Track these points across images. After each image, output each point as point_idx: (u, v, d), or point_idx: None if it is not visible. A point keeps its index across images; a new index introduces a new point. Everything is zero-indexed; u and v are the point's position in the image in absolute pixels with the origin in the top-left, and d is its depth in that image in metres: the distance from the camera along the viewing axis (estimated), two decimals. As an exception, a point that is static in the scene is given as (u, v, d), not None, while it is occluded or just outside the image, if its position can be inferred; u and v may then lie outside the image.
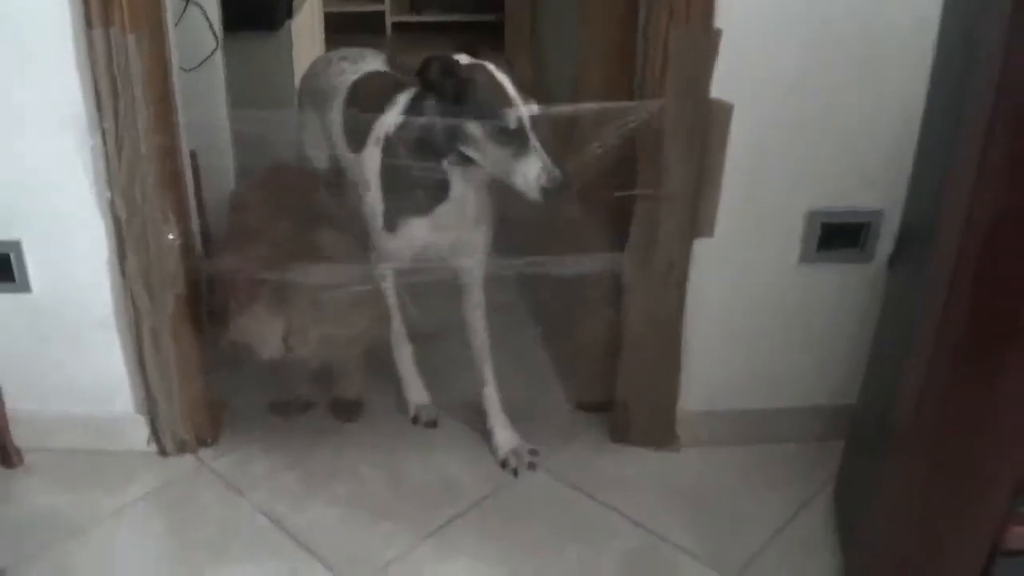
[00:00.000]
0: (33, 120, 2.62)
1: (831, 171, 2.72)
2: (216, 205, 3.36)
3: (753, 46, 2.55)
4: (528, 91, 2.62)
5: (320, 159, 3.29)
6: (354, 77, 3.21)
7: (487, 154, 2.60)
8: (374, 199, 2.89)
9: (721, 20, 2.50)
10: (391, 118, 2.82)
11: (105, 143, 2.60)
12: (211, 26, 3.48)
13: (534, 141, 2.53)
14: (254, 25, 4.37)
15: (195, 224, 3.00)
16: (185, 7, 3.38)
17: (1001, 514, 1.97)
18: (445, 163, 2.69)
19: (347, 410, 3.24)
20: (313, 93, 3.38)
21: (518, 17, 3.92)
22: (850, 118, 2.64)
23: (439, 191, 2.76)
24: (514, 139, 2.53)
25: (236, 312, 2.84)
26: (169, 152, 2.71)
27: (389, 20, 7.18)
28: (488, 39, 6.42)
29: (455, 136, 2.63)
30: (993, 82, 1.72)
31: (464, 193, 2.78)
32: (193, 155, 3.14)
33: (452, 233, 2.87)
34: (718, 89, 2.58)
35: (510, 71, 2.63)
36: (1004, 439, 1.91)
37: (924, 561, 2.12)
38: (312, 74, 3.52)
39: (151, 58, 2.56)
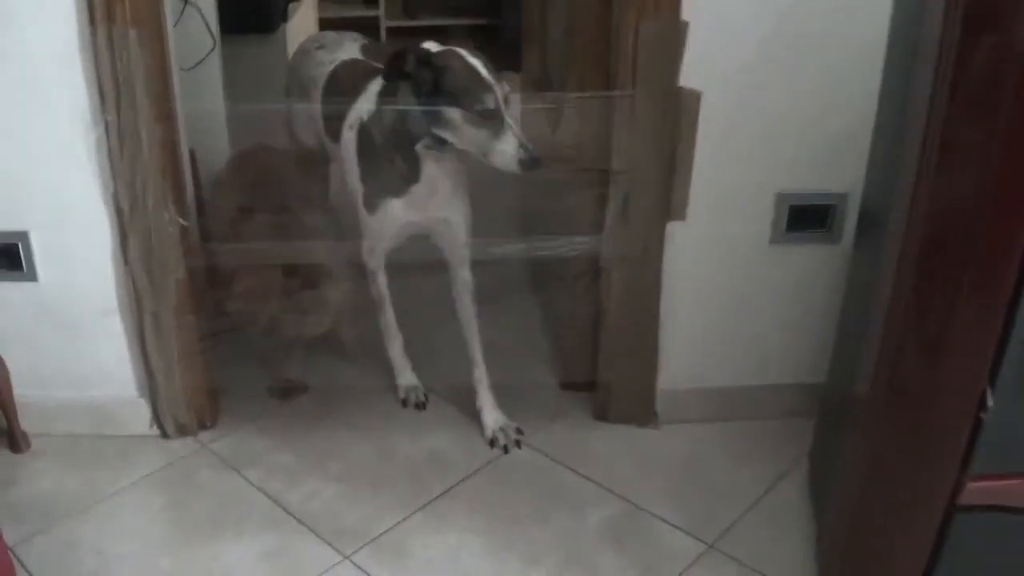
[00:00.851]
0: (39, 114, 2.72)
1: (798, 154, 2.81)
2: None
3: (720, 36, 2.65)
4: (499, 73, 2.76)
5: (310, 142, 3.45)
6: (331, 67, 3.35)
7: (464, 136, 2.73)
8: (354, 183, 3.04)
9: (687, 12, 2.61)
10: (363, 105, 2.97)
11: (108, 135, 2.71)
12: (208, 27, 3.58)
13: (509, 120, 2.66)
14: (250, 29, 4.49)
15: (194, 216, 3.11)
16: (183, 8, 3.49)
17: (954, 475, 2.03)
18: (419, 147, 2.83)
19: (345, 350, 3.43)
20: (298, 83, 3.53)
21: (530, 18, 4.04)
22: (815, 102, 2.73)
23: (411, 173, 2.90)
24: (490, 120, 2.67)
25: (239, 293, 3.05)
26: (169, 144, 2.81)
27: (384, 25, 7.25)
28: (483, 42, 6.55)
29: (432, 121, 2.76)
30: (933, 60, 1.82)
31: (436, 174, 2.92)
32: (192, 153, 3.27)
33: (427, 212, 3.00)
34: (687, 78, 2.68)
35: (481, 55, 2.75)
36: (952, 408, 1.98)
37: (887, 522, 2.20)
38: (295, 64, 3.66)
39: (152, 54, 2.67)
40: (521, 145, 2.65)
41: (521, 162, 2.65)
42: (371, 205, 3.01)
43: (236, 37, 4.18)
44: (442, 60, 2.72)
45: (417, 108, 2.77)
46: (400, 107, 2.81)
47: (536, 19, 3.79)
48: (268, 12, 4.68)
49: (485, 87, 2.68)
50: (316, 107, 3.35)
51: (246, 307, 3.08)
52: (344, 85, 3.22)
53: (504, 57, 5.21)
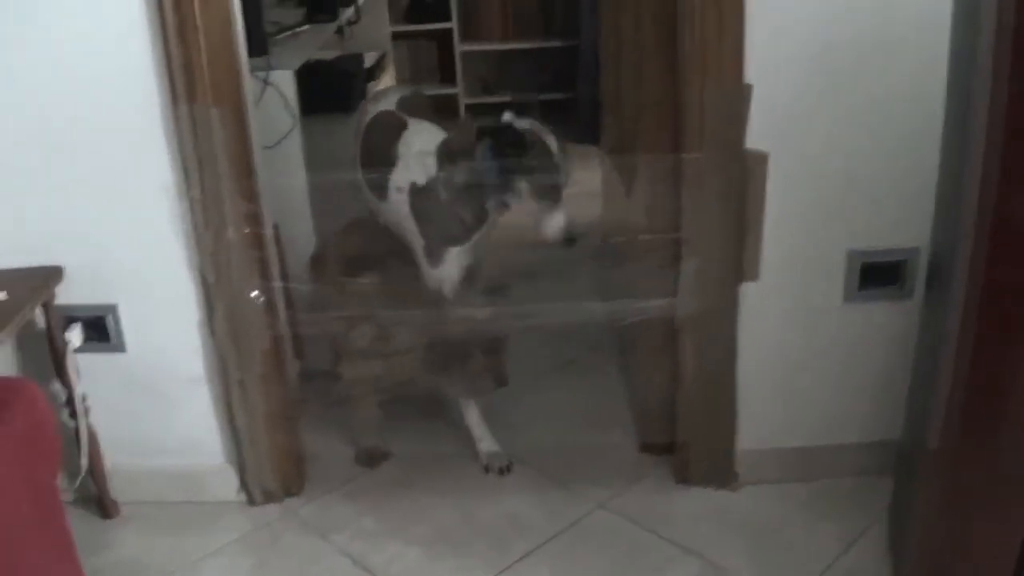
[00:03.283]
0: (127, 190, 2.83)
1: (867, 211, 2.83)
2: (298, 270, 3.57)
3: (784, 96, 2.70)
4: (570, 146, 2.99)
5: None
6: (369, 118, 3.53)
7: (525, 204, 2.98)
8: (412, 237, 3.20)
9: (751, 75, 2.66)
10: (415, 167, 3.17)
11: (193, 210, 2.81)
12: (288, 106, 3.68)
13: (563, 198, 2.92)
14: (330, 108, 4.59)
15: (279, 287, 3.19)
16: (264, 88, 3.59)
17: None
18: (489, 204, 3.06)
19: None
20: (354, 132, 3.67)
21: (607, 88, 4.13)
22: (883, 159, 2.76)
23: (478, 223, 3.13)
24: (549, 195, 2.93)
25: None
26: (252, 218, 2.90)
27: (463, 102, 7.35)
28: (559, 116, 6.63)
29: (502, 186, 2.98)
30: (983, 122, 1.86)
31: (494, 220, 3.15)
32: (276, 227, 3.36)
33: (477, 251, 3.25)
34: (753, 139, 2.72)
35: (555, 135, 2.99)
36: (1020, 459, 2.00)
37: (964, 574, 2.22)
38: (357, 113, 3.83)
39: (233, 132, 2.78)
40: (568, 224, 2.94)
41: (566, 235, 2.95)
42: (434, 255, 3.19)
43: (317, 115, 4.27)
44: (529, 137, 2.96)
45: (492, 175, 2.99)
46: (473, 171, 3.02)
47: (612, 89, 3.85)
48: (347, 92, 4.78)
49: (556, 167, 2.97)
50: (356, 155, 3.52)
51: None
52: (373, 137, 3.43)
53: (579, 131, 5.30)
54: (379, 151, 3.31)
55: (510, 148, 2.96)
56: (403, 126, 3.31)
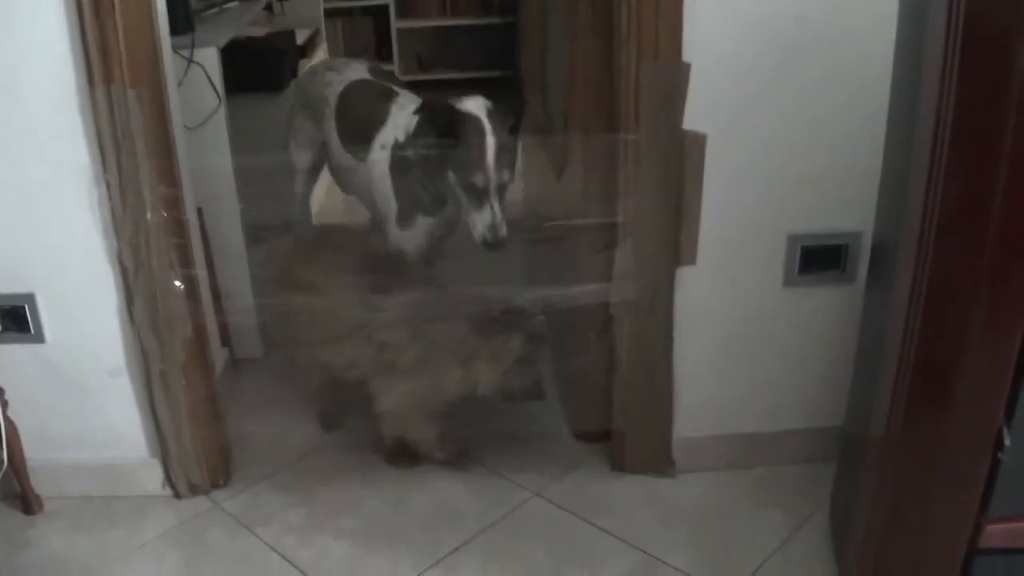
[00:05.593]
0: (42, 175, 2.71)
1: (809, 195, 2.78)
2: (224, 255, 3.48)
3: (724, 76, 2.63)
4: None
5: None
6: (341, 87, 3.51)
7: (456, 196, 2.97)
8: (385, 198, 3.19)
9: (690, 53, 2.59)
10: (397, 128, 3.16)
11: (110, 195, 2.70)
12: (213, 86, 3.57)
13: (494, 200, 2.94)
14: (259, 87, 4.51)
15: (203, 273, 3.10)
16: (188, 67, 3.48)
17: (972, 516, 2.00)
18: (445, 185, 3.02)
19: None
20: (305, 101, 3.71)
21: (531, 65, 4.07)
22: (824, 142, 2.71)
23: (442, 199, 3.10)
24: (479, 193, 2.89)
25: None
26: (172, 202, 2.79)
27: (399, 79, 7.27)
28: (497, 94, 6.58)
29: (439, 172, 2.97)
30: (934, 98, 1.81)
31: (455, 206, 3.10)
32: (200, 212, 3.26)
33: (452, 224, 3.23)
34: (692, 120, 2.66)
35: (505, 131, 2.94)
36: (967, 447, 1.96)
37: (906, 567, 2.17)
38: (303, 83, 3.89)
39: (151, 112, 2.67)
40: (493, 225, 2.93)
41: (484, 239, 2.95)
42: (405, 221, 3.19)
43: (246, 94, 4.18)
44: (465, 127, 2.91)
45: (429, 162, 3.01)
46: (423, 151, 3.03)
47: (537, 67, 3.79)
48: (279, 69, 4.69)
49: (482, 169, 2.91)
50: (329, 124, 3.52)
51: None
52: (357, 102, 3.43)
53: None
54: (361, 119, 3.32)
55: (446, 130, 2.91)
56: (390, 92, 3.33)
